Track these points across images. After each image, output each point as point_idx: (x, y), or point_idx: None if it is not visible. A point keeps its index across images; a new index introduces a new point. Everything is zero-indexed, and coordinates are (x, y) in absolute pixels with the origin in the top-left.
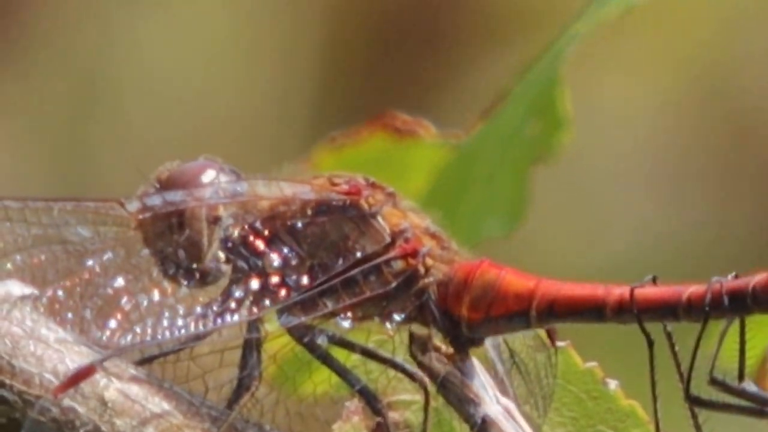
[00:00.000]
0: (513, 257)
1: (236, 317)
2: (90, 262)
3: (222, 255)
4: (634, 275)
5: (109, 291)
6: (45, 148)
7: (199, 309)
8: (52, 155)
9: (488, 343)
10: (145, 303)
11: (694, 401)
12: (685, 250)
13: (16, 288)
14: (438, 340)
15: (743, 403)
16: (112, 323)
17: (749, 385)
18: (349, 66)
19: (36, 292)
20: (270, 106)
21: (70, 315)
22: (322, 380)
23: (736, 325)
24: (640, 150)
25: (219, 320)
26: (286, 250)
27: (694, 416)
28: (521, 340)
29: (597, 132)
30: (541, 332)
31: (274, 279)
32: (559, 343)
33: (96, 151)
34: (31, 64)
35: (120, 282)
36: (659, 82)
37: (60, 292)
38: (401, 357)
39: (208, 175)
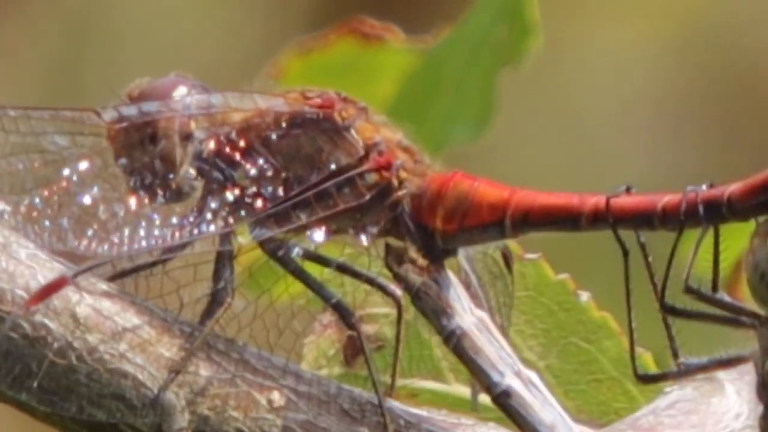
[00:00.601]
0: None
1: (210, 229)
2: (66, 171)
3: (195, 167)
4: None
5: (86, 200)
6: (37, 89)
7: (174, 220)
8: (44, 96)
9: (462, 254)
10: (121, 213)
11: (669, 311)
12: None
13: None
14: (412, 253)
15: (718, 312)
16: (89, 232)
17: (723, 295)
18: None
19: (7, 208)
20: (262, 50)
21: (47, 223)
22: (299, 293)
23: (710, 234)
24: (638, 97)
25: (193, 232)
26: (259, 163)
27: (668, 326)
28: (481, 264)
29: (596, 79)
30: (500, 260)
31: (248, 191)
32: (531, 256)
33: (88, 93)
34: (25, 4)
35: (96, 191)
36: (658, 31)
37: (37, 200)
38: (375, 271)
39: (180, 91)
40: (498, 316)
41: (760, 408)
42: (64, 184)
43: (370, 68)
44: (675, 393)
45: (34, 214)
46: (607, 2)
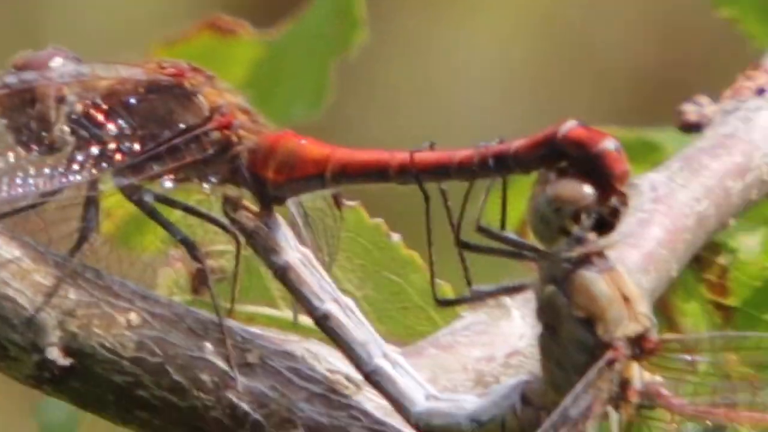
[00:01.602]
0: None
1: (78, 178)
2: None
3: (67, 126)
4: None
5: None
6: None
7: (47, 171)
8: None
9: (290, 201)
10: (2, 165)
11: (464, 246)
12: None
13: None
14: (247, 200)
15: (504, 247)
16: None
17: (509, 234)
18: None
19: None
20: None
21: None
22: (149, 232)
23: (499, 183)
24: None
25: (64, 180)
26: (120, 123)
27: (463, 260)
28: (313, 204)
29: (452, 55)
30: (330, 199)
31: (110, 146)
32: (350, 203)
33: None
34: None
35: None
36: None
37: None
38: (217, 213)
39: (56, 61)
40: (323, 252)
41: (539, 329)
42: None
43: (225, 57)
44: (469, 317)
45: None
46: None
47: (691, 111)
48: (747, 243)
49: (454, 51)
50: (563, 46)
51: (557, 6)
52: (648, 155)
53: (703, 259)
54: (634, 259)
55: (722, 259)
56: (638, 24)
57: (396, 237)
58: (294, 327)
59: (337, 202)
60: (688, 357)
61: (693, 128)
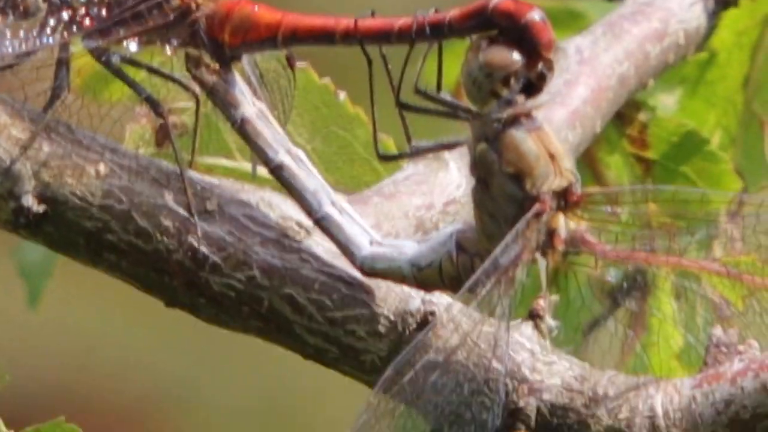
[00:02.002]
0: None
1: (51, 40)
2: None
3: None
4: None
5: None
6: None
7: (22, 34)
8: None
9: (245, 61)
10: None
11: (403, 106)
12: None
13: None
14: (207, 59)
15: (440, 107)
16: None
17: (445, 95)
18: None
19: None
20: None
21: None
22: (117, 90)
23: (435, 49)
24: None
25: (38, 42)
26: None
27: (403, 118)
28: (268, 63)
29: None
30: (283, 58)
31: (80, 12)
32: (301, 64)
33: None
34: None
35: None
36: None
37: None
38: (178, 74)
39: None
40: (278, 109)
41: (473, 182)
42: None
43: None
44: (410, 168)
45: None
46: None
47: None
48: (665, 101)
49: None
50: None
51: None
52: (573, 22)
53: (625, 115)
54: (562, 117)
55: (642, 116)
56: None
57: (342, 95)
58: (250, 177)
59: (289, 63)
60: (609, 208)
61: None
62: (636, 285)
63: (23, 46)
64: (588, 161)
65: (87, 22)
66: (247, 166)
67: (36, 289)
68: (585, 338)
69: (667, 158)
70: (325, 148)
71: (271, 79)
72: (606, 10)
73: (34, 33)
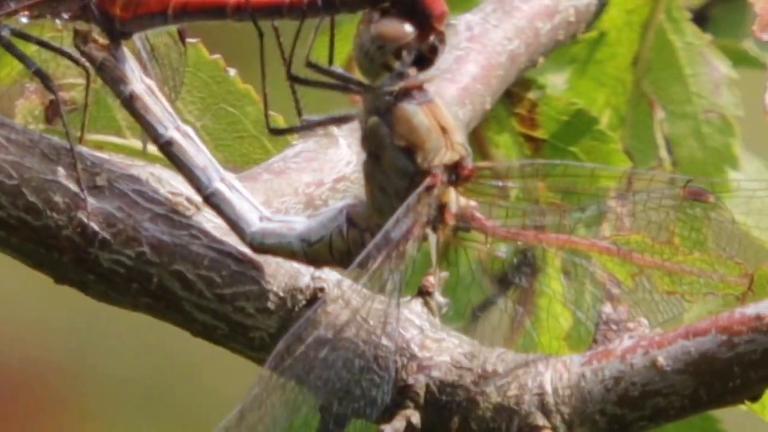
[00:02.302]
0: None
1: None
2: None
3: None
4: None
5: None
6: None
7: None
8: None
9: (136, 36)
10: None
11: (294, 80)
12: None
13: None
14: (96, 35)
15: (331, 81)
16: None
17: (337, 68)
18: None
19: None
20: None
21: None
22: (6, 65)
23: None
24: None
25: None
26: None
27: (294, 91)
28: (159, 39)
29: None
30: (175, 34)
31: None
32: (191, 40)
33: None
34: None
35: None
36: None
37: None
38: (69, 48)
39: None
40: (169, 85)
41: (363, 156)
42: None
43: None
44: (300, 145)
45: None
46: None
47: None
48: (554, 80)
49: None
50: None
51: None
52: (464, 1)
53: (515, 94)
54: (452, 93)
55: (532, 95)
56: None
57: (233, 72)
58: (140, 155)
59: (181, 37)
60: (500, 183)
61: None
62: (526, 261)
63: None
64: (477, 140)
65: None
66: (137, 144)
67: None
68: (475, 317)
69: (557, 138)
70: (214, 125)
71: (162, 53)
72: None
73: None
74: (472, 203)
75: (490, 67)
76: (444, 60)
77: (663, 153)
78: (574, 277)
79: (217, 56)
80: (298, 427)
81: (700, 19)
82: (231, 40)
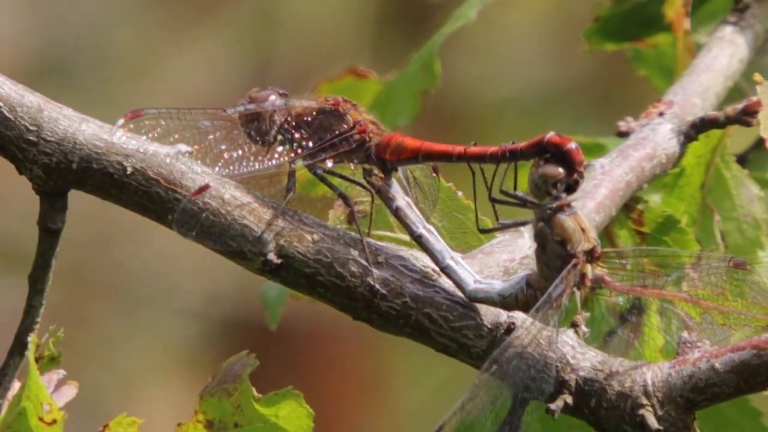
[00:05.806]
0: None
1: (281, 160)
2: (211, 136)
3: (275, 132)
4: None
5: (222, 147)
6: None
7: (261, 156)
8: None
9: (400, 171)
10: (241, 153)
11: (494, 201)
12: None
13: (183, 147)
14: (376, 171)
15: (516, 201)
16: (220, 163)
17: (519, 193)
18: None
19: (191, 149)
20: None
21: (208, 160)
22: (321, 190)
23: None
24: None
25: (273, 162)
26: (303, 131)
27: (494, 208)
28: (419, 171)
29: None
30: (430, 170)
31: (298, 143)
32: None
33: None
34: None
35: (223, 145)
36: None
37: (201, 147)
38: (359, 179)
39: (271, 96)
40: (427, 201)
41: (535, 245)
42: (211, 139)
43: (360, 91)
44: (500, 237)
45: (200, 153)
46: None
47: (622, 125)
48: (654, 198)
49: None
50: None
51: None
52: (598, 150)
53: (630, 206)
54: (590, 206)
55: (640, 206)
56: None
57: (460, 193)
58: (405, 243)
59: (435, 172)
60: (619, 261)
61: (623, 134)
62: (636, 307)
63: (263, 165)
64: (607, 234)
65: (302, 149)
66: (403, 236)
67: (275, 313)
68: (605, 340)
69: (655, 232)
70: (449, 225)
71: (423, 182)
72: (619, 143)
73: (269, 155)
74: (603, 272)
75: (614, 190)
76: (585, 186)
77: (719, 241)
78: (665, 315)
79: (450, 184)
80: (498, 409)
81: (742, 160)
82: (458, 174)
